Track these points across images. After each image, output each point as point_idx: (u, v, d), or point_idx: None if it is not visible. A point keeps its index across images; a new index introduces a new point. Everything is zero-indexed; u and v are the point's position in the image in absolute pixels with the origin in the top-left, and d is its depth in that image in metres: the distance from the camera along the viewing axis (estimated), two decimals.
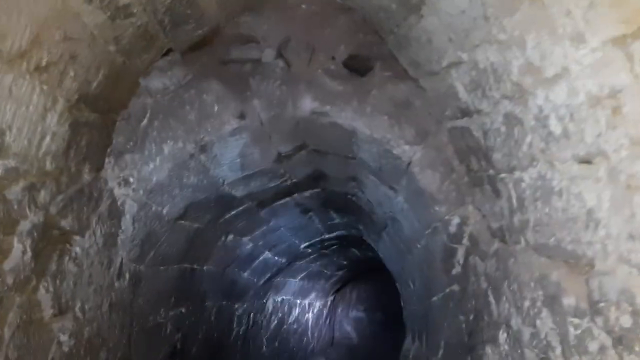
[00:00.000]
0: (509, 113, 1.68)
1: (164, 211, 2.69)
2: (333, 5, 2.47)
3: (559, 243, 1.51)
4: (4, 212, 1.67)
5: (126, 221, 2.52)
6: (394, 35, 2.20)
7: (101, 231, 2.35)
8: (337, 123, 2.42)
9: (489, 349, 1.97)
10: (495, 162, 1.88)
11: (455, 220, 2.34)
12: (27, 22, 1.52)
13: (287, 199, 3.94)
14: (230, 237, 4.03)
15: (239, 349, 5.56)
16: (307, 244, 5.77)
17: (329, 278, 8.88)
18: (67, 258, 2.10)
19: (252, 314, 5.91)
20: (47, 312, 1.97)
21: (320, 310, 9.69)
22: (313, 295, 8.84)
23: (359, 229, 5.13)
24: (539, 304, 1.60)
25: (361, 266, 8.77)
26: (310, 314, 9.07)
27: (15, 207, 1.72)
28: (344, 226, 5.33)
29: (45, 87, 1.72)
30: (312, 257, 6.62)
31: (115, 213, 2.44)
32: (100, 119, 2.22)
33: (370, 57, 2.43)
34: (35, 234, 1.84)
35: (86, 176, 2.20)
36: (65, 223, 2.09)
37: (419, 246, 2.99)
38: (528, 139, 1.60)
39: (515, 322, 1.77)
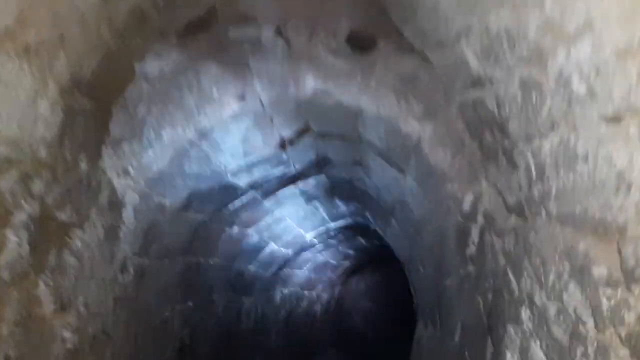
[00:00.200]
0: (525, 78, 1.59)
1: (167, 202, 2.61)
2: None
3: (585, 211, 1.42)
4: None
5: (127, 213, 2.44)
6: (399, 6, 2.10)
7: (102, 223, 2.27)
8: (342, 102, 2.33)
9: (510, 329, 1.89)
10: (511, 132, 1.79)
11: (469, 197, 2.25)
12: None
13: (291, 187, 3.85)
14: (235, 228, 3.95)
15: (248, 343, 5.50)
16: (312, 234, 5.69)
17: (335, 269, 8.81)
18: (66, 251, 2.02)
19: (260, 307, 5.84)
20: (48, 307, 1.89)
21: (328, 302, 9.62)
22: (320, 286, 8.78)
23: (365, 216, 5.05)
24: (565, 277, 1.51)
25: (367, 255, 8.70)
26: (318, 305, 9.01)
27: (9, 197, 1.63)
28: (349, 214, 5.25)
29: (35, 70, 1.63)
30: (318, 247, 6.54)
31: (115, 204, 2.36)
32: (95, 106, 2.12)
33: (374, 32, 2.33)
34: (31, 226, 1.75)
35: (83, 166, 2.11)
36: (63, 215, 2.00)
37: (429, 228, 2.90)
38: (548, 103, 1.50)
39: (539, 298, 1.68)
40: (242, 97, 2.28)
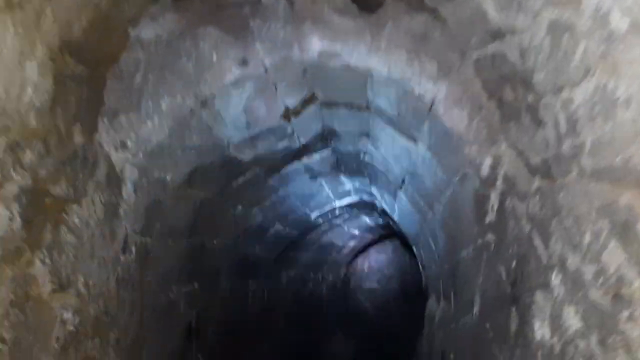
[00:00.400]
0: (554, 22, 1.46)
1: (168, 177, 2.48)
2: None
3: (626, 162, 1.29)
4: None
5: (127, 189, 2.31)
6: None
7: (100, 200, 2.15)
8: (350, 64, 2.19)
9: (539, 296, 1.77)
10: (536, 85, 1.66)
11: (487, 161, 2.12)
12: None
13: (296, 163, 3.73)
14: (239, 208, 3.83)
15: (255, 326, 5.41)
16: (317, 213, 5.57)
17: (341, 249, 8.72)
18: (63, 228, 1.90)
19: (266, 289, 5.75)
20: (46, 287, 1.77)
21: (334, 283, 9.55)
22: (326, 268, 8.69)
23: (371, 193, 4.93)
24: (604, 236, 1.39)
25: (373, 235, 8.61)
26: (324, 287, 8.93)
27: None
28: (355, 192, 5.13)
29: (20, 29, 1.50)
30: (323, 228, 6.44)
31: (114, 180, 2.23)
32: (88, 73, 1.99)
33: None
34: (23, 199, 1.63)
35: (78, 138, 1.99)
36: (59, 190, 1.88)
37: (443, 199, 2.78)
38: (581, 46, 1.37)
39: (573, 261, 1.56)
40: (243, 62, 2.15)
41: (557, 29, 1.45)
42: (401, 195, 3.79)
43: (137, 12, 2.11)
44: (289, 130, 2.93)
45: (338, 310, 9.75)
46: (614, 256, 1.34)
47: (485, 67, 1.96)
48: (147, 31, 2.15)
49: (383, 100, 2.36)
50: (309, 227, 5.93)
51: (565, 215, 1.61)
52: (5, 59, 1.46)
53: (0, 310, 1.53)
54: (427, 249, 3.90)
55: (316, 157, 3.73)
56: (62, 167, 1.90)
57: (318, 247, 7.37)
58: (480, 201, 2.25)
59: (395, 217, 4.95)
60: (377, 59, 2.12)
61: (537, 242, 1.81)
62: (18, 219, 1.60)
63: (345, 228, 7.47)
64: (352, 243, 8.81)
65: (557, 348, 1.63)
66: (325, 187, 4.76)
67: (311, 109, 2.73)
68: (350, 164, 3.99)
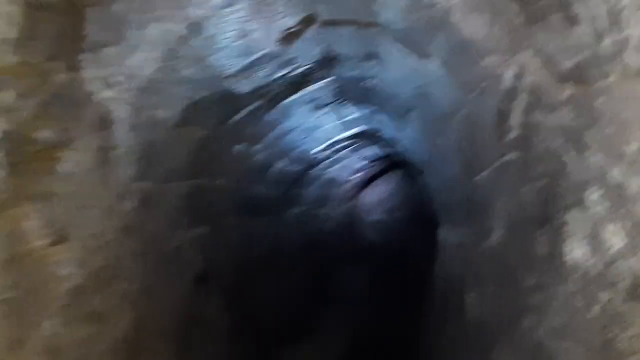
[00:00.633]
0: None
1: (161, 115, 2.31)
2: None
3: None
4: None
5: (119, 131, 2.14)
6: None
7: (91, 144, 1.98)
8: None
9: (573, 216, 1.63)
10: None
11: (510, 72, 1.94)
12: None
13: (298, 94, 3.53)
14: (240, 146, 3.66)
15: (263, 266, 5.36)
16: (322, 147, 5.41)
17: (347, 182, 8.62)
18: (54, 177, 1.75)
19: (274, 228, 5.67)
20: (40, 242, 1.64)
21: (341, 218, 9.52)
22: (332, 202, 8.62)
23: (377, 121, 4.75)
24: None
25: (379, 166, 8.48)
26: (332, 222, 8.90)
27: None
28: (360, 121, 4.95)
29: None
30: (328, 161, 6.29)
31: (104, 122, 2.06)
32: (65, 3, 1.78)
33: None
34: (7, 145, 1.47)
35: (61, 76, 1.80)
36: (45, 135, 1.72)
37: (456, 120, 2.61)
38: None
39: (615, 174, 1.41)
40: None
41: None
42: (410, 120, 3.62)
43: None
44: (289, 56, 2.73)
45: (346, 244, 9.77)
46: None
47: None
48: None
49: (391, 12, 2.15)
50: (313, 161, 5.78)
51: (605, 123, 1.45)
52: None
53: None
54: (438, 175, 3.75)
55: (318, 85, 3.53)
56: (45, 108, 1.72)
57: (323, 182, 7.25)
58: (502, 117, 2.08)
59: (403, 145, 4.79)
60: None
61: (570, 156, 1.66)
62: (4, 168, 1.44)
63: (351, 160, 7.33)
64: (358, 175, 8.70)
65: (596, 270, 1.51)
66: (329, 119, 4.58)
67: (311, 30, 2.51)
68: (354, 92, 3.79)
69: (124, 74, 2.01)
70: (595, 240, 1.51)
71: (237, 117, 3.14)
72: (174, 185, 2.89)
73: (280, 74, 2.91)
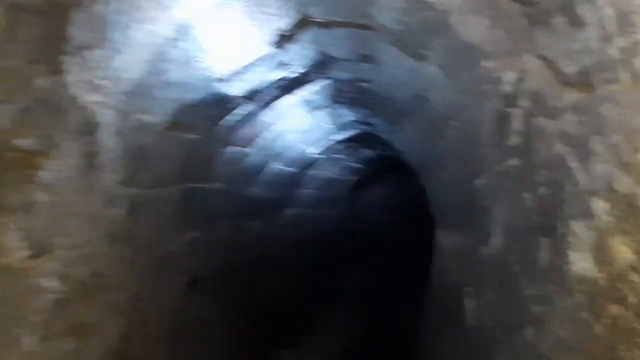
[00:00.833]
0: None
1: (150, 119, 2.23)
2: None
3: None
4: None
5: (105, 136, 2.06)
6: None
7: (75, 150, 1.90)
8: None
9: (577, 225, 1.57)
10: None
11: (510, 76, 1.87)
12: None
13: (292, 96, 3.46)
14: (233, 148, 3.59)
15: (260, 267, 5.29)
16: (317, 149, 5.34)
17: (342, 184, 8.55)
18: (34, 186, 1.67)
19: (269, 230, 5.60)
20: (19, 254, 1.56)
21: (337, 220, 9.44)
22: (328, 204, 8.55)
23: (373, 124, 4.68)
24: None
25: (374, 168, 8.42)
26: (328, 224, 8.82)
27: None
28: (355, 124, 4.88)
29: None
30: (323, 163, 6.22)
31: (89, 127, 1.98)
32: (47, 3, 1.70)
33: None
34: None
35: (42, 81, 1.72)
36: (25, 142, 1.64)
37: (455, 123, 2.54)
38: None
39: (622, 184, 1.34)
40: None
41: None
42: (406, 123, 3.55)
43: None
44: (282, 58, 2.65)
45: (343, 245, 9.70)
46: None
47: None
48: None
49: (387, 14, 2.08)
50: (309, 163, 5.71)
51: (613, 130, 1.38)
52: None
53: None
54: (436, 179, 3.69)
55: (312, 88, 3.46)
56: (25, 115, 1.64)
57: (319, 183, 7.18)
58: (501, 122, 2.02)
59: (399, 147, 4.73)
60: None
61: (574, 164, 1.59)
62: None
63: (346, 162, 7.26)
64: (353, 177, 8.63)
65: (603, 283, 1.44)
66: (324, 120, 4.50)
67: (306, 32, 2.43)
68: (350, 94, 3.72)
69: (109, 77, 1.93)
70: (602, 251, 1.45)
71: (229, 120, 3.07)
72: (164, 190, 2.81)
73: (273, 78, 2.84)
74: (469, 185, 2.70)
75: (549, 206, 1.75)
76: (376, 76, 3.04)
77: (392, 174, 9.26)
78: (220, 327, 3.93)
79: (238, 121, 3.18)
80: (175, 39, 1.97)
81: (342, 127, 5.00)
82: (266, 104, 3.27)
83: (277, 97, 3.27)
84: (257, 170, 4.42)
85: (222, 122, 3.00)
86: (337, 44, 2.69)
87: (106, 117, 2.02)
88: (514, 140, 1.97)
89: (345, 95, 3.74)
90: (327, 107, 4.05)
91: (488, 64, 1.88)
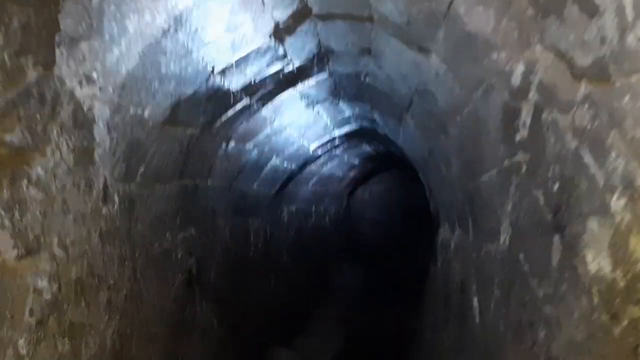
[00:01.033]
0: None
1: (146, 114, 2.16)
2: None
3: None
4: None
5: (100, 130, 1.99)
6: None
7: (68, 146, 1.83)
8: None
9: (593, 223, 1.50)
10: None
11: (519, 69, 1.80)
12: None
13: (291, 90, 3.39)
14: (232, 144, 3.52)
15: (259, 265, 5.23)
16: (316, 145, 5.27)
17: (341, 180, 8.48)
18: (24, 182, 1.59)
19: (268, 227, 5.54)
20: (9, 254, 1.49)
21: (336, 216, 9.39)
22: (327, 201, 8.49)
23: (373, 119, 4.62)
24: None
25: (374, 164, 8.35)
26: (327, 220, 8.77)
27: None
28: (355, 119, 4.81)
29: None
30: (322, 159, 6.15)
31: (82, 121, 1.91)
32: None
33: None
34: None
35: (31, 73, 1.65)
36: (13, 137, 1.57)
37: (459, 118, 2.47)
38: None
39: None
40: None
41: None
42: (407, 119, 3.48)
43: None
44: (281, 51, 2.58)
45: (342, 242, 9.65)
46: None
47: None
48: None
49: (389, 5, 2.01)
50: (308, 159, 5.64)
51: (631, 125, 1.31)
52: None
53: None
54: (437, 175, 3.62)
55: (312, 82, 3.39)
56: (14, 109, 1.57)
57: (318, 180, 7.11)
58: (509, 117, 1.95)
59: (400, 143, 4.66)
60: None
61: (588, 159, 1.52)
62: None
63: (345, 158, 7.20)
64: (352, 173, 8.56)
65: (621, 283, 1.38)
66: (324, 116, 4.43)
67: (305, 24, 2.36)
68: (350, 88, 3.65)
69: (102, 70, 1.86)
70: (619, 250, 1.38)
71: (228, 114, 2.99)
72: (161, 187, 2.74)
73: (272, 71, 2.76)
74: (473, 182, 2.64)
75: (561, 203, 1.68)
76: (377, 70, 2.97)
77: (391, 170, 9.19)
78: (218, 326, 3.87)
79: (236, 116, 3.11)
80: (171, 30, 1.89)
81: (341, 123, 4.93)
82: (264, 99, 3.20)
83: (275, 92, 3.20)
84: (255, 167, 4.35)
85: (220, 117, 2.93)
86: (337, 36, 2.62)
87: (100, 111, 1.95)
88: (523, 134, 1.91)
89: (344, 90, 3.67)
90: (326, 102, 3.98)
91: (495, 56, 1.81)
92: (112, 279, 2.20)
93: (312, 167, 6.21)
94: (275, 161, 4.72)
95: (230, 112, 2.99)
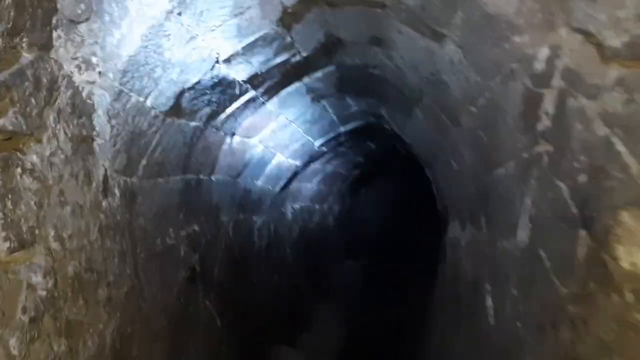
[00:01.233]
0: None
1: (148, 102, 2.06)
2: None
3: None
4: None
5: (99, 119, 1.90)
6: None
7: (66, 133, 1.74)
8: None
9: (626, 216, 1.40)
10: None
11: (543, 52, 1.70)
12: None
13: (297, 83, 3.29)
14: (237, 138, 3.42)
15: (263, 262, 5.13)
16: (321, 141, 5.18)
17: (346, 179, 8.39)
18: (18, 170, 1.50)
19: (272, 225, 5.44)
20: (1, 247, 1.39)
21: (341, 214, 9.29)
22: (331, 198, 8.39)
23: (379, 115, 4.52)
24: None
25: (379, 162, 8.25)
26: (331, 218, 8.67)
27: None
28: (361, 115, 4.71)
29: None
30: (327, 156, 6.06)
31: (81, 108, 1.81)
32: None
33: None
34: None
35: (26, 55, 1.55)
36: (7, 122, 1.47)
37: (473, 109, 2.37)
38: None
39: None
40: None
41: None
42: (417, 112, 3.38)
43: None
44: (288, 39, 2.48)
45: (345, 241, 9.55)
46: None
47: None
48: None
49: None
50: (313, 156, 5.54)
51: None
52: None
53: None
54: (447, 170, 3.52)
55: (319, 75, 3.29)
56: (6, 92, 1.48)
57: (322, 178, 7.02)
58: (531, 105, 1.84)
59: (407, 139, 4.56)
60: None
61: (621, 147, 1.42)
62: None
63: (350, 156, 7.10)
64: (357, 172, 8.46)
65: None
66: (330, 111, 4.34)
67: (313, 10, 2.27)
68: (357, 82, 3.55)
69: (102, 54, 1.76)
70: None
71: (233, 107, 2.90)
72: (164, 180, 2.65)
73: (279, 60, 2.66)
74: (487, 175, 2.54)
75: (589, 195, 1.58)
76: (386, 60, 2.86)
77: (396, 169, 9.09)
78: (221, 324, 3.78)
79: (242, 109, 3.01)
80: (175, 12, 1.80)
81: (347, 119, 4.83)
82: (270, 92, 3.10)
83: (281, 84, 3.10)
84: (260, 163, 4.26)
85: (225, 109, 2.83)
86: (346, 24, 2.52)
87: (100, 97, 1.86)
88: (545, 123, 1.81)
89: (351, 83, 3.57)
90: (332, 96, 3.88)
91: (517, 39, 1.71)
92: (112, 275, 2.10)
93: (317, 164, 6.12)
94: (280, 157, 4.62)
95: (236, 105, 2.90)
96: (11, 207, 1.43)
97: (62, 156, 1.72)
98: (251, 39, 2.26)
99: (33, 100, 1.56)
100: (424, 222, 7.64)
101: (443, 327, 3.83)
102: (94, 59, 1.77)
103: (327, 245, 8.46)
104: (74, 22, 1.70)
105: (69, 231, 1.74)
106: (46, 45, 1.65)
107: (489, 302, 2.55)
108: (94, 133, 1.89)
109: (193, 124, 2.62)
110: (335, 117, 4.63)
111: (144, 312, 2.47)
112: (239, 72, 2.52)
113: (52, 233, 1.64)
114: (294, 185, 5.91)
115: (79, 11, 1.69)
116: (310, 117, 4.26)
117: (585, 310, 1.59)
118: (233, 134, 3.31)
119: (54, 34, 1.68)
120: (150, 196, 2.50)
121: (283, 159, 4.76)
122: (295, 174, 5.56)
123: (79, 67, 1.76)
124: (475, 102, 2.32)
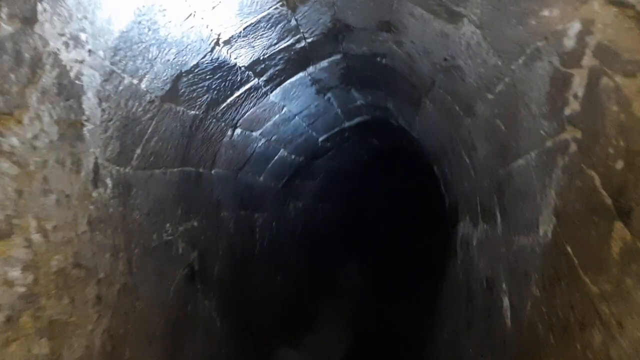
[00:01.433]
0: None
1: (142, 85, 1.91)
2: None
3: None
4: None
5: (89, 101, 1.75)
6: None
7: (51, 116, 1.59)
8: None
9: None
10: None
11: (574, 28, 1.55)
12: None
13: (301, 73, 3.15)
14: (238, 130, 3.28)
15: (264, 261, 4.99)
16: (325, 136, 5.03)
17: (349, 176, 8.24)
18: None
19: (274, 222, 5.29)
20: None
21: (344, 212, 9.14)
22: (334, 196, 8.24)
23: (386, 108, 4.37)
24: None
25: (383, 159, 8.11)
26: (334, 216, 8.52)
27: None
28: (367, 109, 4.56)
29: None
30: (331, 152, 5.90)
31: (69, 89, 1.67)
32: None
33: None
34: None
35: (5, 26, 1.41)
36: None
37: (491, 96, 2.22)
38: None
39: None
40: None
41: None
42: (427, 103, 3.23)
43: None
44: (293, 22, 2.34)
45: (350, 239, 9.40)
46: None
47: None
48: None
49: None
50: (317, 152, 5.39)
51: None
52: None
53: None
54: (458, 164, 3.37)
55: (324, 64, 3.15)
56: None
57: (326, 174, 6.87)
58: (558, 87, 1.69)
59: (414, 133, 4.41)
60: None
61: None
62: None
63: (355, 152, 6.95)
64: (361, 167, 8.31)
65: None
66: (334, 104, 4.19)
67: None
68: (364, 72, 3.41)
69: (92, 30, 1.61)
70: None
71: (234, 95, 2.75)
72: (160, 172, 2.50)
73: (282, 45, 2.52)
74: (504, 168, 2.39)
75: (626, 183, 1.43)
76: (396, 47, 2.72)
77: (402, 166, 8.94)
78: (221, 324, 3.63)
79: (243, 99, 2.87)
80: None
81: (352, 113, 4.68)
82: (273, 81, 2.95)
83: (285, 73, 2.95)
84: (263, 158, 4.11)
85: (226, 98, 2.69)
86: (355, 7, 2.37)
87: (89, 78, 1.71)
88: (574, 107, 1.65)
89: (358, 74, 3.42)
90: (337, 88, 3.73)
91: (546, 13, 1.56)
92: (102, 272, 1.96)
93: (321, 160, 5.97)
94: (283, 152, 4.48)
95: (237, 93, 2.75)
96: None
97: (47, 140, 1.57)
98: (253, 19, 2.11)
99: (12, 77, 1.42)
100: (432, 220, 7.50)
101: (453, 329, 3.68)
102: (82, 36, 1.62)
103: (331, 244, 8.31)
104: None
105: (53, 222, 1.60)
106: (29, 19, 1.51)
107: (505, 302, 2.40)
108: (83, 117, 1.75)
109: (192, 112, 2.47)
110: (339, 111, 4.49)
111: (138, 312, 2.32)
112: (241, 57, 2.37)
113: (33, 224, 1.50)
114: (297, 182, 5.76)
115: None
116: (314, 110, 4.11)
117: (620, 310, 1.44)
118: (234, 126, 3.17)
119: (39, 7, 1.54)
120: (146, 188, 2.35)
121: (286, 154, 4.61)
122: (298, 170, 5.42)
123: (66, 44, 1.62)
124: (493, 89, 2.17)
